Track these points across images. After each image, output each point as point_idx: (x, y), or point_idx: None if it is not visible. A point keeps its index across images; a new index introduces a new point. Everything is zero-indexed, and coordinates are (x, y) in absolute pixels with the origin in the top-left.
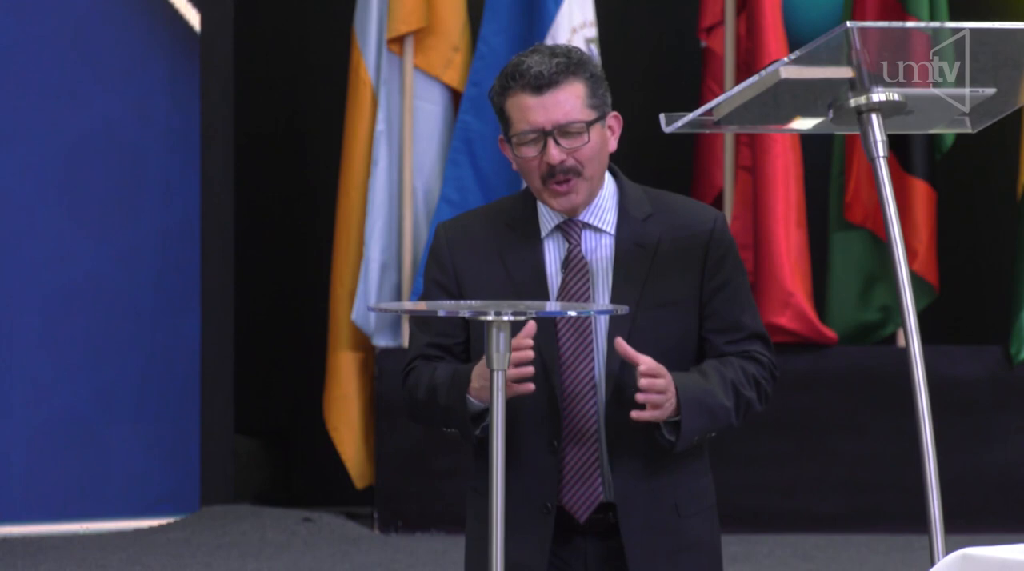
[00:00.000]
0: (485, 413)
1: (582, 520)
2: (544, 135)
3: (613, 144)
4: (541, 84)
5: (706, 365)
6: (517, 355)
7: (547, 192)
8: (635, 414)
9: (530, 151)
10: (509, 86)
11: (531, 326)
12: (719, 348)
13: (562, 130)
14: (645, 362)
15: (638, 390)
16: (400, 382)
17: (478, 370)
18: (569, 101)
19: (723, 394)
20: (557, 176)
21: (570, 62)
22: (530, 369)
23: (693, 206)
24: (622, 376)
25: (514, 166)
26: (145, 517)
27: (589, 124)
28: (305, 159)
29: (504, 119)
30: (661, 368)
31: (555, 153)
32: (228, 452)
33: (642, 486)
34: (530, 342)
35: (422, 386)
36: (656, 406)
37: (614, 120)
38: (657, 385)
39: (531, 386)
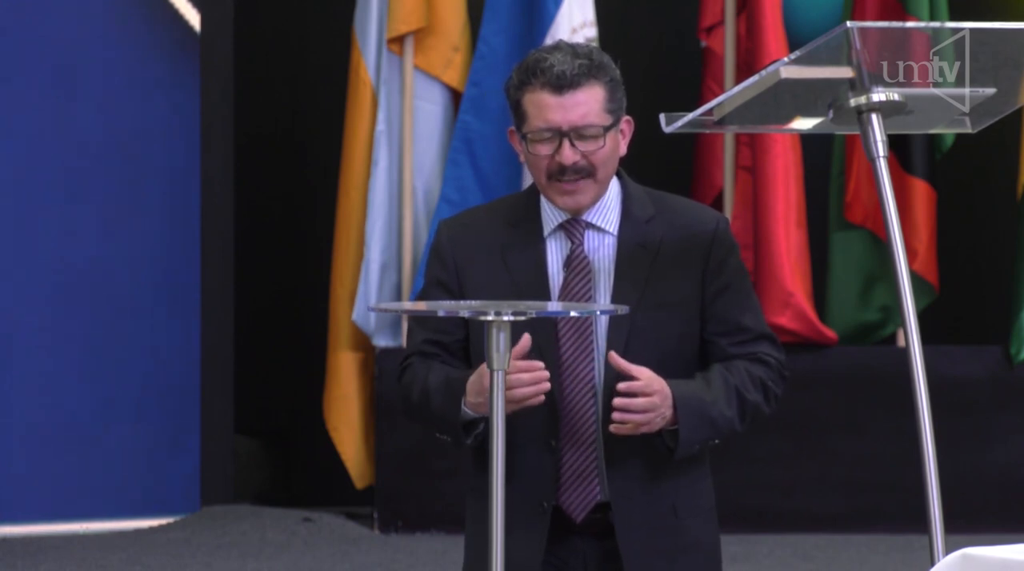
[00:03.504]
0: (478, 422)
1: (579, 520)
2: (560, 135)
3: (623, 148)
4: (562, 84)
5: (712, 372)
6: (530, 375)
7: (552, 189)
8: (613, 427)
9: (544, 149)
10: (528, 81)
11: (526, 340)
12: (726, 350)
13: (579, 132)
14: (639, 374)
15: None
16: (397, 377)
17: (475, 386)
18: (588, 104)
19: (725, 403)
20: (567, 175)
21: (592, 65)
22: (544, 380)
23: (696, 208)
24: (620, 378)
25: (521, 158)
26: (145, 517)
27: (606, 129)
28: (305, 159)
29: (519, 113)
30: (649, 384)
31: (569, 154)
32: (228, 452)
33: (639, 487)
34: (541, 369)
35: (416, 388)
36: (639, 425)
37: (626, 125)
38: (635, 405)
39: (541, 397)
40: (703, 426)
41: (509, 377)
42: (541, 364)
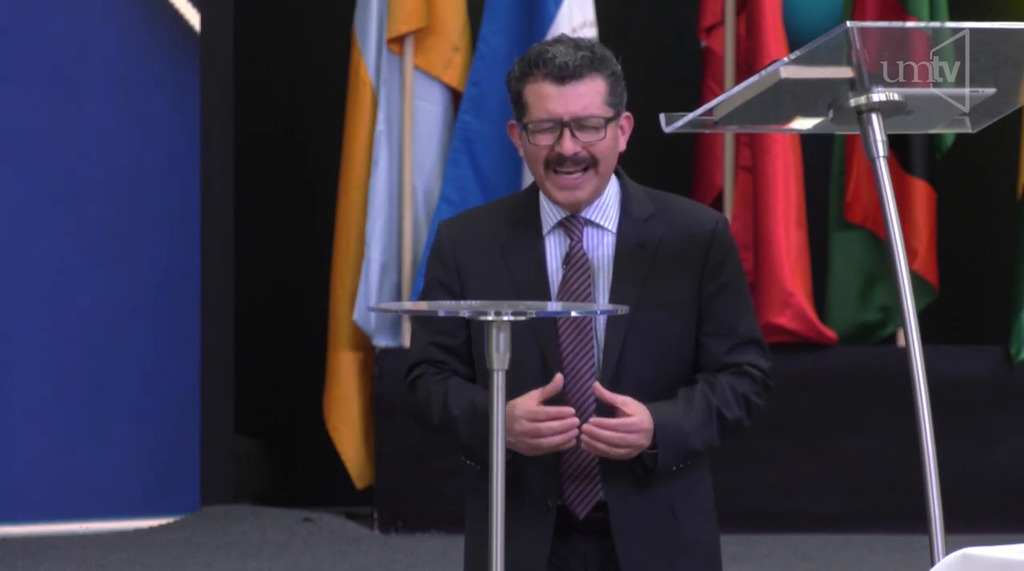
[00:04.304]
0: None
1: (580, 517)
2: (561, 126)
3: (623, 144)
4: (565, 75)
5: (695, 393)
6: (560, 423)
7: (550, 181)
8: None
9: (544, 139)
10: (530, 72)
11: (558, 381)
12: (715, 356)
13: (579, 123)
14: (624, 407)
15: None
16: (403, 382)
17: (505, 424)
18: (589, 95)
19: (705, 427)
20: (566, 165)
21: (594, 57)
22: (575, 427)
23: (695, 208)
24: (619, 378)
25: (521, 153)
26: (145, 517)
27: (607, 121)
28: (305, 159)
29: (520, 105)
30: (635, 424)
31: (569, 144)
32: (228, 452)
33: (637, 488)
34: (575, 421)
35: (435, 409)
36: (607, 454)
37: (626, 121)
38: (604, 437)
39: (573, 443)
40: (680, 453)
41: (539, 426)
42: (571, 410)
